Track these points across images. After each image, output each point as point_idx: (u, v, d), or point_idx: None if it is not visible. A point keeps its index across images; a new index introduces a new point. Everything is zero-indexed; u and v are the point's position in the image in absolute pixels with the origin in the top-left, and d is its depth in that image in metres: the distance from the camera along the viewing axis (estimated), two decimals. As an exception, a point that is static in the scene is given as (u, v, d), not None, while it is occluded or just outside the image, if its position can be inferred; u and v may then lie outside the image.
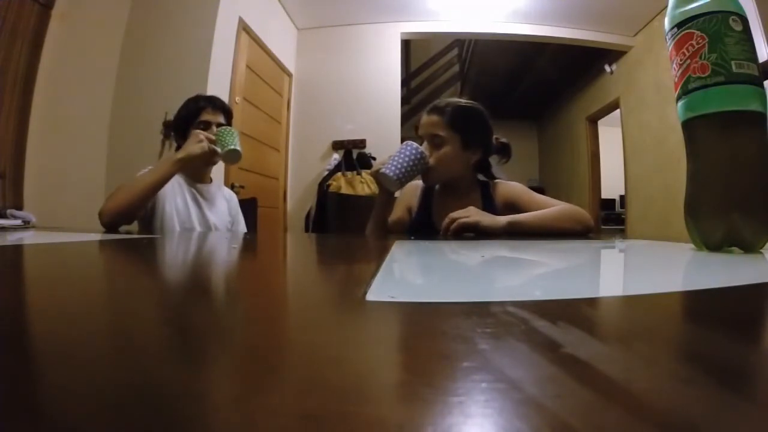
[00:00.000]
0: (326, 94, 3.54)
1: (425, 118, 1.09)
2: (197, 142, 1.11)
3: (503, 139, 1.16)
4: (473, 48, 4.65)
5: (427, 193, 1.18)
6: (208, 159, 1.15)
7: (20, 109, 1.83)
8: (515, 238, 0.83)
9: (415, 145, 1.00)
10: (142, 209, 1.10)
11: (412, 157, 0.99)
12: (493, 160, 1.17)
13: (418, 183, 1.20)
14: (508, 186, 1.12)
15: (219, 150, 1.13)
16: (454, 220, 0.92)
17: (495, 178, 1.16)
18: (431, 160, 1.04)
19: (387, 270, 0.31)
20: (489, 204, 1.08)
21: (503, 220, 0.94)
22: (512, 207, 1.05)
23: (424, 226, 1.13)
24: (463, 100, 1.11)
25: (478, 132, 1.09)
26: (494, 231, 0.91)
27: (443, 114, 1.06)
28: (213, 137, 1.13)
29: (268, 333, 0.16)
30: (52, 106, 1.99)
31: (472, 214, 0.92)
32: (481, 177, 1.16)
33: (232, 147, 1.13)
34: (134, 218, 1.11)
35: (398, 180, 0.99)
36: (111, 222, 1.03)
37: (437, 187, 1.17)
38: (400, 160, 0.98)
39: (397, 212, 1.18)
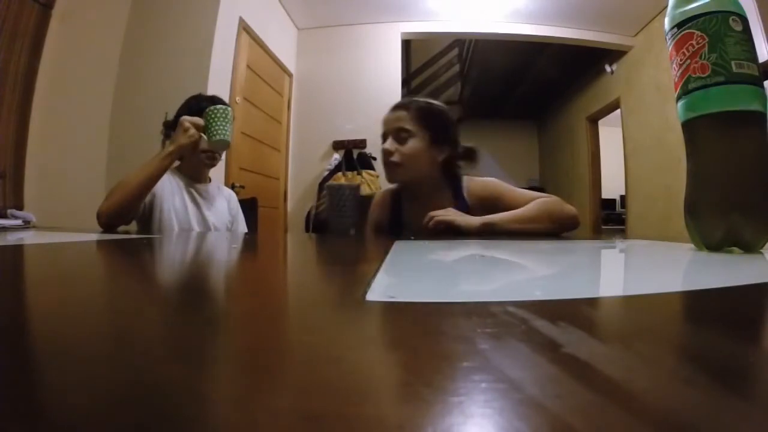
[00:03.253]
0: (326, 94, 3.54)
1: (389, 114, 1.06)
2: (184, 131, 1.07)
3: (469, 145, 1.12)
4: (473, 48, 4.64)
5: (395, 203, 1.14)
6: (197, 147, 1.12)
7: (20, 109, 1.83)
8: (505, 238, 0.83)
9: (347, 186, 1.00)
10: (139, 207, 1.09)
11: (353, 200, 0.98)
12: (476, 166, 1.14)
13: (384, 196, 1.18)
14: (482, 182, 1.07)
15: (206, 137, 1.08)
16: (431, 218, 0.92)
17: (461, 176, 1.11)
18: (396, 157, 1.02)
19: (387, 270, 0.31)
20: (462, 204, 1.03)
21: (477, 221, 0.92)
22: (493, 204, 1.00)
23: (399, 233, 1.10)
24: (430, 99, 1.10)
25: (444, 129, 1.06)
26: (468, 231, 0.90)
27: (409, 109, 1.04)
28: (201, 122, 1.08)
29: (268, 333, 0.16)
30: (52, 106, 1.99)
31: (450, 213, 0.93)
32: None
33: (219, 138, 1.07)
34: (132, 217, 1.11)
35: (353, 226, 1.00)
36: (109, 222, 1.03)
37: (403, 193, 1.14)
38: (350, 210, 0.97)
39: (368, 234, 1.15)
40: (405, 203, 1.13)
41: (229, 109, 1.09)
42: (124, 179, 1.08)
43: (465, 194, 1.05)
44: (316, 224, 1.09)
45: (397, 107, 1.06)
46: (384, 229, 1.14)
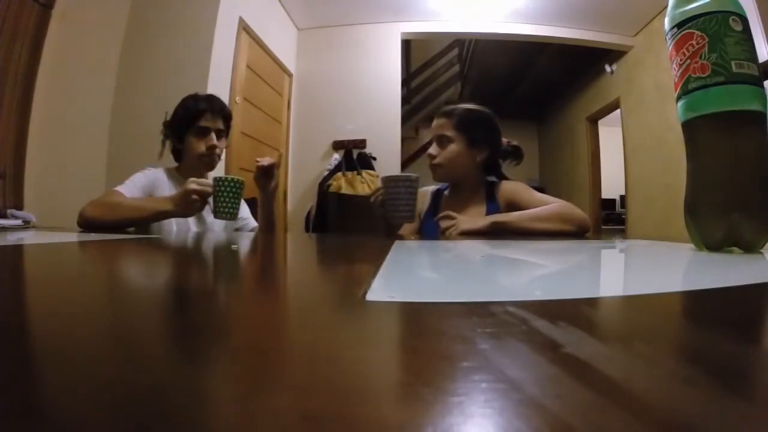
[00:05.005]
0: (326, 94, 3.54)
1: (435, 122, 1.17)
2: (190, 201, 0.97)
3: (514, 142, 1.22)
4: (473, 48, 4.65)
5: (436, 197, 1.23)
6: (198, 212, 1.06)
7: (20, 108, 1.83)
8: (506, 237, 0.83)
9: (404, 178, 0.95)
10: (117, 229, 1.05)
11: (411, 191, 0.94)
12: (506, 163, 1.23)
13: (427, 189, 1.27)
14: (510, 185, 1.15)
15: (211, 208, 1.00)
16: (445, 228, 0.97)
17: (506, 178, 1.20)
18: (439, 159, 1.13)
19: (387, 270, 0.31)
20: (493, 204, 1.10)
21: (486, 220, 0.97)
22: (513, 206, 1.06)
23: (431, 225, 1.16)
24: (471, 105, 1.17)
25: (483, 131, 1.15)
26: (475, 231, 0.94)
27: (451, 116, 1.14)
28: (209, 191, 0.98)
29: (269, 333, 0.16)
30: (52, 106, 1.99)
31: (458, 221, 0.98)
32: (492, 178, 1.20)
33: (225, 215, 0.98)
34: (108, 230, 1.08)
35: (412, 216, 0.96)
36: (84, 226, 1.02)
37: (446, 191, 1.22)
38: (406, 201, 0.94)
39: None
40: (444, 200, 1.22)
41: (241, 182, 1.00)
42: (119, 201, 1.06)
43: (497, 196, 1.13)
44: (379, 215, 1.04)
45: (440, 115, 1.17)
46: (421, 220, 1.23)
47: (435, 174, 1.17)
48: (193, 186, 0.98)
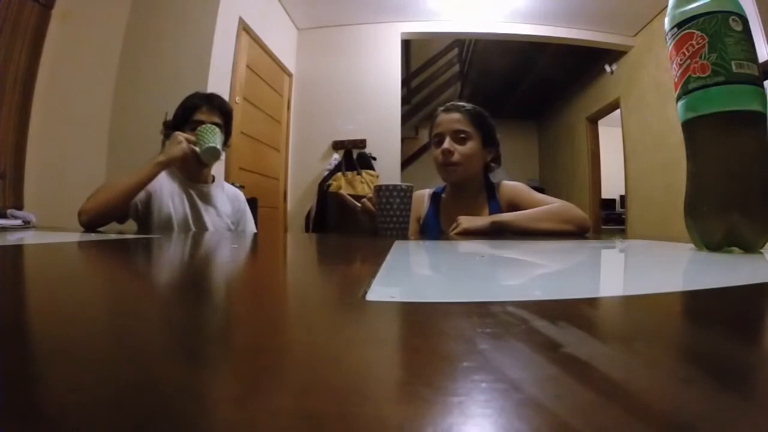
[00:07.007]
0: (326, 94, 3.54)
1: (446, 116, 1.10)
2: (177, 143, 1.11)
3: None
4: (473, 48, 4.65)
5: (435, 198, 1.20)
6: (190, 160, 1.17)
7: (20, 109, 1.83)
8: (506, 237, 0.83)
9: (399, 188, 0.89)
10: (122, 210, 1.09)
11: (405, 202, 0.88)
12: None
13: (423, 191, 1.23)
14: (511, 186, 1.13)
15: (197, 149, 1.14)
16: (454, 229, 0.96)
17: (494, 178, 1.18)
18: (457, 157, 1.06)
19: (387, 270, 0.31)
20: (494, 205, 1.09)
21: (486, 219, 0.96)
22: (514, 206, 1.06)
23: (433, 229, 1.15)
24: (470, 104, 1.15)
25: (491, 131, 1.12)
26: (476, 231, 0.93)
27: (464, 112, 1.09)
28: (192, 138, 1.14)
29: (268, 333, 0.16)
30: (52, 106, 1.99)
31: (461, 222, 0.96)
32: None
33: (210, 144, 1.14)
34: (113, 219, 1.10)
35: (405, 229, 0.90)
36: (90, 222, 1.02)
37: (444, 194, 1.20)
38: (399, 213, 0.88)
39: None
40: (443, 202, 1.18)
41: (217, 129, 1.19)
42: (109, 182, 1.09)
43: (498, 197, 1.11)
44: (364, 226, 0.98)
45: (451, 110, 1.10)
46: (420, 225, 1.19)
47: (451, 174, 1.08)
48: (180, 133, 1.14)
